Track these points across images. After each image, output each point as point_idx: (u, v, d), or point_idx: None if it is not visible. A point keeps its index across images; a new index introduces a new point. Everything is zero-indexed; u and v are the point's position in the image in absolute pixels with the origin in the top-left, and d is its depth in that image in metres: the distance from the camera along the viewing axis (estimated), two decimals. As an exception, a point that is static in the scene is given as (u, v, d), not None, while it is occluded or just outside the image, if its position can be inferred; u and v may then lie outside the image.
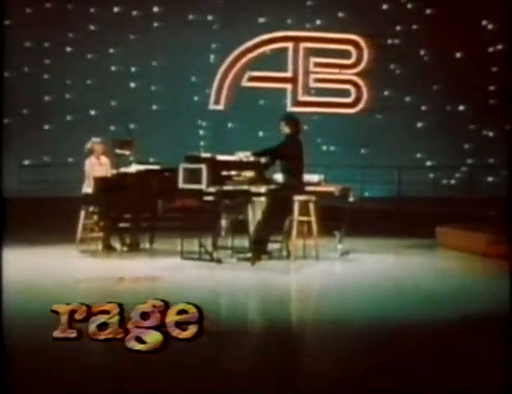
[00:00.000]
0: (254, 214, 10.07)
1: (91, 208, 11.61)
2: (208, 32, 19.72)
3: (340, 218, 11.12)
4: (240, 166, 10.32)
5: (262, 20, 19.82)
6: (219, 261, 10.04)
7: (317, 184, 11.07)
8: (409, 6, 20.21)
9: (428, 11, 20.11)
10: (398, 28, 20.18)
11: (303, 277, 9.39)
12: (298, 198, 10.22)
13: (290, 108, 18.88)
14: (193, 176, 10.09)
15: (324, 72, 19.23)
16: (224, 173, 10.20)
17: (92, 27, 19.72)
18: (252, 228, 10.00)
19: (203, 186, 9.97)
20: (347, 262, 10.55)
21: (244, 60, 18.86)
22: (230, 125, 19.94)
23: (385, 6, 20.09)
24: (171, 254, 10.80)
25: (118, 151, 11.90)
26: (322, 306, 7.47)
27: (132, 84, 19.80)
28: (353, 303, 7.52)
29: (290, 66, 19.22)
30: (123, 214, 11.38)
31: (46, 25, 19.03)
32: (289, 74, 19.27)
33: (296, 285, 9.03)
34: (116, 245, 11.52)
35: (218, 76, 18.89)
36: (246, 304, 7.64)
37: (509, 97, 16.18)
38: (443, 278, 9.28)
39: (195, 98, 19.75)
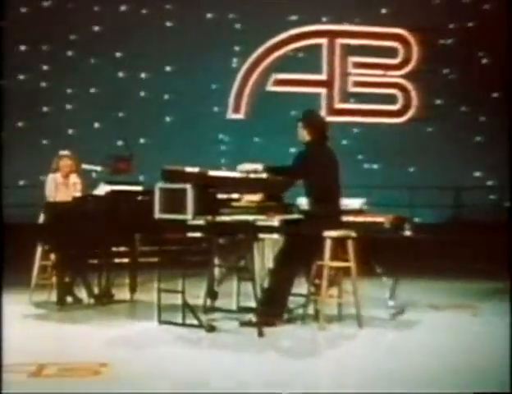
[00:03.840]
0: (263, 259, 6.45)
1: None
2: (230, 32, 16.76)
3: (391, 259, 7.51)
4: (244, 185, 6.74)
5: (293, 17, 16.68)
6: (211, 328, 6.44)
7: (359, 212, 7.47)
8: (464, 0, 16.81)
9: (486, 7, 16.77)
10: (451, 26, 16.79)
11: (337, 369, 5.58)
12: (330, 234, 6.57)
13: (325, 118, 15.38)
14: (173, 202, 6.54)
15: (365, 74, 16.00)
16: (220, 196, 6.61)
17: (95, 28, 16.84)
18: (259, 279, 6.35)
19: (188, 216, 6.38)
20: (404, 329, 6.84)
21: (268, 60, 15.67)
22: (256, 139, 16.72)
23: (437, 1, 16.69)
24: (152, 310, 7.18)
25: (86, 166, 8.48)
26: None
27: (142, 93, 16.87)
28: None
29: (324, 68, 16.04)
30: (82, 252, 7.87)
31: (44, 26, 16.27)
32: (323, 76, 16.03)
33: (328, 387, 5.27)
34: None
35: (238, 80, 15.81)
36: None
37: None
38: None
39: (215, 109, 16.80)
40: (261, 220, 6.19)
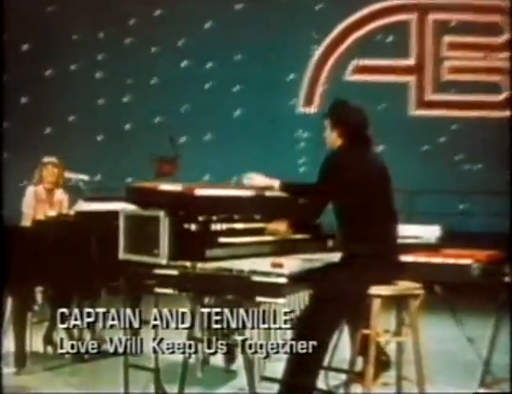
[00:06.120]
0: (269, 332, 4.06)
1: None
2: (309, 15, 15.17)
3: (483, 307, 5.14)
4: (254, 209, 4.42)
5: (381, -4, 15.41)
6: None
7: (437, 247, 5.05)
8: None
9: None
10: None
11: None
12: (379, 291, 4.11)
13: (414, 112, 13.91)
14: (142, 236, 4.29)
15: (463, 58, 13.87)
16: (215, 228, 4.31)
17: (157, 12, 15.62)
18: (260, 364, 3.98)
19: (161, 260, 4.13)
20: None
21: (347, 42, 13.72)
22: (339, 136, 14.78)
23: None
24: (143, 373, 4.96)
25: (68, 174, 6.45)
26: None
27: (207, 85, 15.59)
28: None
29: (413, 50, 13.97)
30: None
31: (99, 12, 15.38)
32: (411, 61, 13.93)
33: None
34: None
35: (311, 67, 14.01)
36: None
37: None
38: None
39: (291, 102, 15.36)
40: (260, 273, 3.78)
